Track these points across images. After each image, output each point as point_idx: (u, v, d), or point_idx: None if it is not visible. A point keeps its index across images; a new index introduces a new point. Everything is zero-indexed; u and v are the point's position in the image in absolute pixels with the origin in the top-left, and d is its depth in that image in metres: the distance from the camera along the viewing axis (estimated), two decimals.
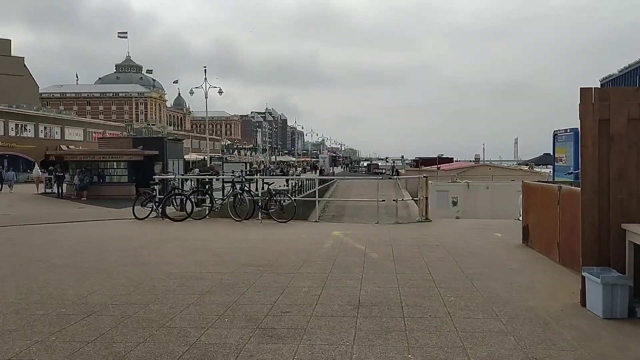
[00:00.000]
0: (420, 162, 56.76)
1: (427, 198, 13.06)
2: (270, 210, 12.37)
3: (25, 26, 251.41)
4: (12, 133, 55.29)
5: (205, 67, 44.02)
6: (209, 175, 17.46)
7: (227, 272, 6.91)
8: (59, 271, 7.05)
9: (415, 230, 11.52)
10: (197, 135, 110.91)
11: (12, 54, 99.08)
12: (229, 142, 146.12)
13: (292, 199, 12.53)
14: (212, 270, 7.04)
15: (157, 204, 13.05)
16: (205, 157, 62.01)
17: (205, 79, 43.58)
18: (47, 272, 7.01)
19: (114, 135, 58.57)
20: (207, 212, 13.10)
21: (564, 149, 11.49)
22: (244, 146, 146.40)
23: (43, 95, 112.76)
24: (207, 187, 13.50)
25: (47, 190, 33.62)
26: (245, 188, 12.90)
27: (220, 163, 52.61)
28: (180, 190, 13.60)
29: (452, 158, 68.77)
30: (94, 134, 69.17)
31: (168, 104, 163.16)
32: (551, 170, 17.17)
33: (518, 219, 13.12)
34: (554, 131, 11.85)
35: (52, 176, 34.35)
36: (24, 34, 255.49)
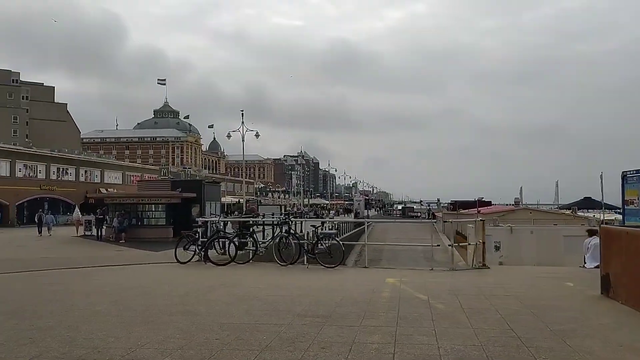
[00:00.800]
0: (458, 206, 55.48)
1: (484, 243, 12.25)
2: (317, 255, 11.78)
3: (64, 74, 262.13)
4: (53, 176, 56.64)
5: (242, 110, 44.68)
6: (250, 217, 16.96)
7: (284, 323, 6.29)
8: (103, 320, 6.55)
9: (475, 277, 10.71)
10: (232, 178, 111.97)
11: (55, 100, 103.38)
12: (262, 185, 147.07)
13: (340, 242, 11.89)
14: (267, 321, 6.44)
15: (199, 247, 12.61)
16: (240, 200, 62.18)
17: (243, 122, 44.03)
18: (90, 321, 6.53)
19: (152, 179, 59.39)
20: (250, 255, 12.58)
21: (635, 190, 10.65)
22: (277, 189, 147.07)
23: (84, 140, 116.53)
24: (250, 229, 13.04)
25: (87, 233, 33.78)
26: (291, 231, 12.35)
27: (256, 206, 52.58)
28: (223, 233, 13.15)
29: (490, 201, 67.09)
30: (132, 177, 70.45)
31: (203, 148, 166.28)
32: (608, 214, 16.15)
33: (583, 266, 12.19)
34: (623, 172, 11.03)
35: (91, 219, 34.65)
36: (64, 81, 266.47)
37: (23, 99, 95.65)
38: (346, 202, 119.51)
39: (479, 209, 44.07)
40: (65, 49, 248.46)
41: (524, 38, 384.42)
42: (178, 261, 12.62)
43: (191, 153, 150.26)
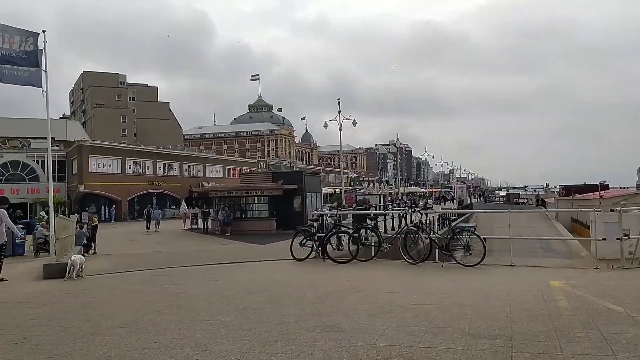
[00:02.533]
0: (573, 190, 50.94)
1: None
2: (453, 252, 10.31)
3: (158, 73, 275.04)
4: (159, 172, 59.09)
5: (339, 99, 43.41)
6: (362, 209, 15.68)
7: (457, 348, 4.93)
8: (236, 337, 5.54)
9: None
10: (326, 169, 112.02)
11: (158, 99, 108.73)
12: (355, 175, 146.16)
13: (482, 237, 10.28)
14: (433, 344, 5.10)
15: (317, 242, 11.57)
16: (337, 191, 61.42)
17: (339, 110, 42.89)
18: (221, 337, 5.54)
19: (252, 171, 60.23)
20: (373, 252, 11.35)
21: None
22: (370, 178, 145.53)
23: (185, 136, 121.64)
24: (373, 223, 11.77)
25: (193, 226, 34.46)
26: (423, 225, 10.91)
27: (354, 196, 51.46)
28: (342, 228, 12.02)
29: (608, 185, 61.28)
30: (231, 171, 72.17)
31: (296, 140, 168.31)
32: None
33: None
34: None
35: (197, 212, 35.29)
36: (157, 81, 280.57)
37: (130, 99, 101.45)
38: (444, 190, 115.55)
39: (601, 193, 39.94)
40: (158, 50, 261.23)
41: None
42: (294, 258, 11.66)
43: (285, 145, 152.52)
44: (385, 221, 12.82)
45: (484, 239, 10.19)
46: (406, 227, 10.94)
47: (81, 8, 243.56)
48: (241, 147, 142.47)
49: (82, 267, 10.64)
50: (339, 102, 43.44)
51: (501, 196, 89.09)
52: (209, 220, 31.66)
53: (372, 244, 11.30)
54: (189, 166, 64.17)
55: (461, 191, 54.63)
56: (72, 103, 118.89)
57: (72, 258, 10.57)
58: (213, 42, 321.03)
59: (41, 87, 17.95)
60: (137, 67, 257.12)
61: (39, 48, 17.52)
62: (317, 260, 11.50)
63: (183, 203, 39.79)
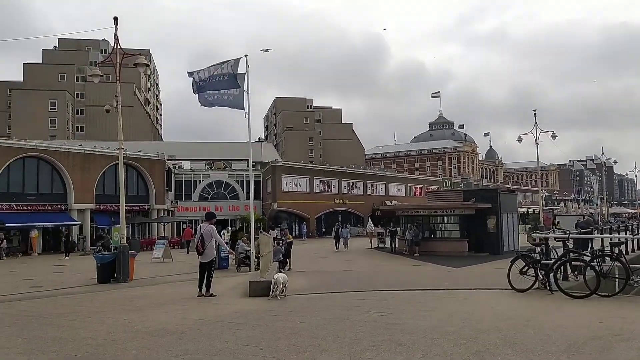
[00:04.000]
0: None
1: None
2: None
3: (335, 96, 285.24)
4: (344, 190, 60.36)
5: (535, 110, 39.77)
6: (590, 232, 13.15)
7: None
8: None
9: None
10: (513, 187, 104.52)
11: (342, 121, 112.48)
12: (547, 194, 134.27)
13: None
14: None
15: (541, 271, 9.75)
16: (535, 210, 56.38)
17: (536, 123, 39.21)
18: None
19: (436, 189, 58.33)
20: (617, 286, 9.17)
21: None
22: (564, 197, 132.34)
23: (367, 156, 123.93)
24: (616, 249, 9.59)
25: (380, 245, 33.96)
26: None
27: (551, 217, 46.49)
28: (577, 254, 10.00)
29: None
30: (414, 189, 71.01)
31: (480, 157, 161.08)
32: None
33: None
34: None
35: (384, 231, 34.74)
36: (335, 104, 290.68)
37: (316, 122, 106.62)
38: None
39: None
40: (335, 74, 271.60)
41: None
42: (513, 288, 9.97)
43: (468, 163, 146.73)
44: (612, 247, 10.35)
45: None
46: None
47: (267, 40, 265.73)
48: (422, 166, 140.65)
49: (285, 286, 10.35)
50: (535, 114, 39.88)
51: None
52: (396, 239, 30.81)
53: (617, 275, 9.12)
54: (372, 185, 64.61)
55: None
56: (265, 127, 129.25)
57: (276, 277, 10.33)
58: (387, 63, 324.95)
59: (244, 109, 18.84)
60: (316, 92, 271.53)
61: (241, 72, 18.41)
62: (542, 292, 9.66)
63: (370, 221, 39.62)
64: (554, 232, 14.30)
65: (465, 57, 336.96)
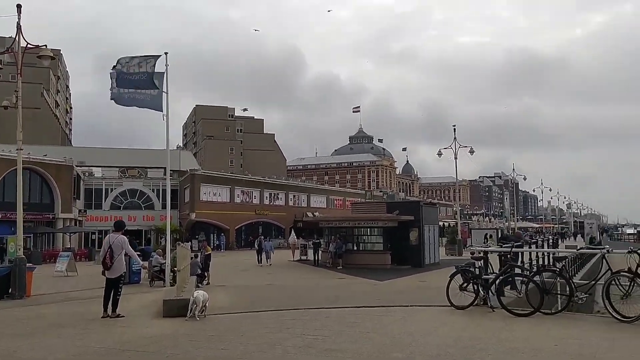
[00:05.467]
0: None
1: None
2: None
3: (250, 106, 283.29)
4: (266, 202, 59.16)
5: (454, 125, 40.79)
6: (520, 246, 12.92)
7: None
8: None
9: None
10: (426, 201, 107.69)
11: (265, 131, 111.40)
12: (459, 208, 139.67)
13: None
14: None
15: (482, 287, 9.24)
16: (451, 224, 57.98)
17: (455, 138, 40.22)
18: None
19: (359, 201, 58.53)
20: (560, 304, 8.79)
21: None
22: (475, 212, 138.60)
23: (288, 167, 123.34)
24: (560, 265, 9.23)
25: (302, 257, 33.12)
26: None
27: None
28: (519, 269, 9.56)
29: None
30: (335, 201, 71.04)
31: (397, 171, 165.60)
32: None
33: None
34: None
35: (307, 243, 33.95)
36: (253, 114, 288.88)
37: (238, 131, 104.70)
38: (562, 225, 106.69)
39: None
40: (251, 83, 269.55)
41: None
42: (452, 304, 9.39)
43: (386, 176, 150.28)
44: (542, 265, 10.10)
45: None
46: (610, 270, 8.27)
47: (182, 45, 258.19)
48: (342, 178, 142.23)
49: (205, 305, 9.17)
50: (454, 129, 40.86)
51: (629, 234, 79.75)
52: (320, 252, 30.12)
53: (559, 292, 8.73)
54: (294, 196, 63.86)
55: (590, 227, 49.04)
56: (184, 135, 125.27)
57: (195, 295, 9.14)
58: (304, 75, 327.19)
59: (161, 111, 17.40)
60: (233, 101, 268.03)
61: (159, 71, 16.98)
62: (483, 309, 9.14)
63: (292, 233, 38.72)
64: (488, 246, 14.06)
65: (379, 73, 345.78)
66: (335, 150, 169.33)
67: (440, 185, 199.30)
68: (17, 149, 15.76)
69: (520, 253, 13.16)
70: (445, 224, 62.14)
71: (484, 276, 9.38)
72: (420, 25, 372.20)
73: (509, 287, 9.54)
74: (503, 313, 8.73)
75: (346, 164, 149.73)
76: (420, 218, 28.20)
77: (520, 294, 8.84)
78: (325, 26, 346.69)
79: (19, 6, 15.13)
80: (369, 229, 28.70)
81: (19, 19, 15.08)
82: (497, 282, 9.07)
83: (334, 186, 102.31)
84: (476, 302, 9.29)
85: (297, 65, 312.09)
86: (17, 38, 15.29)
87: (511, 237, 18.48)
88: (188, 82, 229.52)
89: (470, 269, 9.38)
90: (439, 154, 42.23)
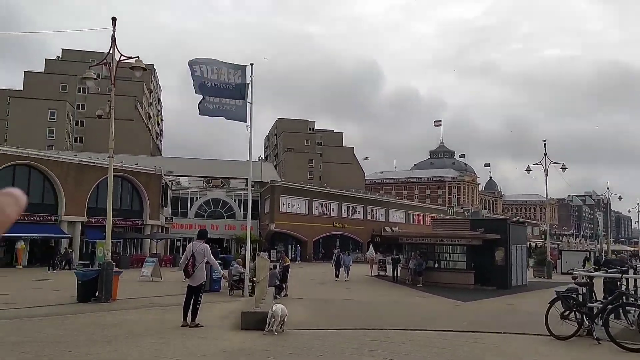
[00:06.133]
0: None
1: None
2: None
3: (327, 121, 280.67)
4: (344, 214, 58.85)
5: (544, 140, 38.58)
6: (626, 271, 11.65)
7: None
8: None
9: None
10: (514, 219, 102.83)
11: (344, 144, 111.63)
12: (547, 228, 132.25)
13: None
14: None
15: (587, 316, 8.29)
16: (537, 244, 54.95)
17: (545, 153, 37.97)
18: None
19: (440, 218, 56.86)
20: None
21: None
22: (563, 232, 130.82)
23: (366, 181, 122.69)
24: None
25: (381, 273, 32.39)
26: None
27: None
28: (634, 298, 8.53)
29: None
30: (414, 216, 69.53)
31: (480, 188, 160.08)
32: None
33: None
34: None
35: (385, 259, 33.20)
36: (330, 126, 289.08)
37: (317, 144, 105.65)
38: None
39: None
40: (328, 97, 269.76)
41: None
42: (552, 334, 8.49)
43: (468, 192, 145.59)
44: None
45: None
46: None
47: (262, 61, 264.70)
48: (421, 193, 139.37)
49: (284, 320, 8.88)
50: (544, 144, 38.66)
51: None
52: (399, 268, 29.26)
53: None
54: (372, 210, 63.14)
55: None
56: (266, 147, 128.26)
57: (274, 308, 8.88)
58: (381, 89, 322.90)
59: (245, 122, 17.59)
60: (308, 114, 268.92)
61: (246, 82, 17.17)
62: (587, 340, 8.19)
63: (371, 247, 38.02)
64: (592, 271, 12.82)
65: (459, 87, 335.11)
66: (415, 164, 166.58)
67: (526, 203, 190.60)
68: (108, 157, 16.42)
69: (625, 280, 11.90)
70: (532, 244, 58.97)
71: (589, 304, 8.41)
72: (504, 38, 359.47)
73: (612, 315, 8.52)
74: (611, 346, 7.74)
75: (426, 179, 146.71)
76: (507, 237, 26.70)
77: (632, 326, 7.80)
78: (404, 41, 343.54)
79: (113, 19, 15.87)
80: (451, 247, 27.55)
81: (114, 31, 15.79)
82: (606, 311, 8.09)
83: (413, 201, 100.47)
84: (579, 332, 8.34)
85: (374, 79, 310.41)
86: (111, 50, 16.01)
87: (615, 261, 16.87)
88: (267, 95, 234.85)
89: (573, 295, 8.43)
90: (528, 170, 40.00)
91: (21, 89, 75.06)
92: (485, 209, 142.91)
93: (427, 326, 10.44)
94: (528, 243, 56.67)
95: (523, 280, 27.91)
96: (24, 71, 77.14)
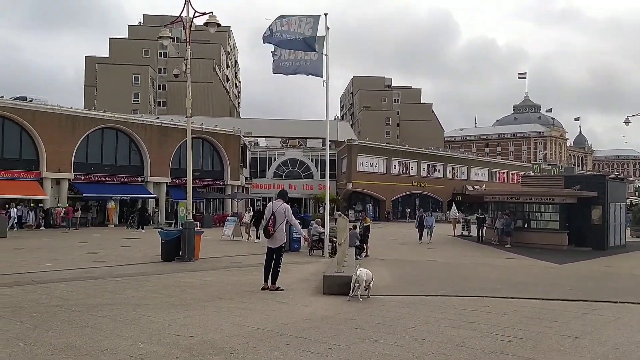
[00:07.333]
0: None
1: None
2: None
3: (398, 76, 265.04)
4: (423, 173, 57.30)
5: None
6: None
7: None
8: None
9: None
10: (612, 175, 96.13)
11: (422, 101, 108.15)
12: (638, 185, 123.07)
13: None
14: None
15: None
16: (631, 202, 50.88)
17: None
18: None
19: (524, 175, 53.91)
20: None
21: None
22: None
23: (446, 138, 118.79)
24: None
25: (464, 233, 31.18)
26: None
27: None
28: None
29: None
30: (497, 174, 66.58)
31: (568, 143, 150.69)
32: None
33: None
34: None
35: (469, 218, 31.87)
36: (399, 83, 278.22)
37: (394, 102, 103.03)
38: None
39: None
40: (399, 52, 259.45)
41: None
42: None
43: (555, 148, 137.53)
44: None
45: None
46: None
47: (332, 14, 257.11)
48: (504, 150, 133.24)
49: (369, 286, 8.23)
50: None
51: None
52: (484, 228, 27.90)
53: None
54: (452, 168, 61.01)
55: None
56: (342, 107, 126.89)
57: (358, 273, 8.23)
58: (456, 41, 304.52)
59: (321, 77, 16.77)
60: (380, 70, 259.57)
61: (319, 35, 16.21)
62: None
63: (454, 207, 36.64)
64: None
65: (540, 36, 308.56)
66: (497, 120, 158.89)
67: (618, 158, 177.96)
68: (186, 116, 16.27)
69: None
70: (627, 202, 54.78)
71: None
72: None
73: None
74: None
75: (509, 135, 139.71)
76: (605, 194, 24.66)
77: None
78: None
79: None
80: (542, 206, 25.90)
81: None
82: None
83: (495, 158, 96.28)
84: None
85: (448, 31, 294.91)
86: (185, 7, 15.63)
87: None
88: (338, 51, 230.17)
89: None
90: (627, 121, 36.61)
91: (106, 55, 78.10)
92: (575, 165, 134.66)
93: (527, 293, 9.41)
94: (630, 201, 52.72)
95: (621, 241, 26.05)
96: (109, 38, 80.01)
